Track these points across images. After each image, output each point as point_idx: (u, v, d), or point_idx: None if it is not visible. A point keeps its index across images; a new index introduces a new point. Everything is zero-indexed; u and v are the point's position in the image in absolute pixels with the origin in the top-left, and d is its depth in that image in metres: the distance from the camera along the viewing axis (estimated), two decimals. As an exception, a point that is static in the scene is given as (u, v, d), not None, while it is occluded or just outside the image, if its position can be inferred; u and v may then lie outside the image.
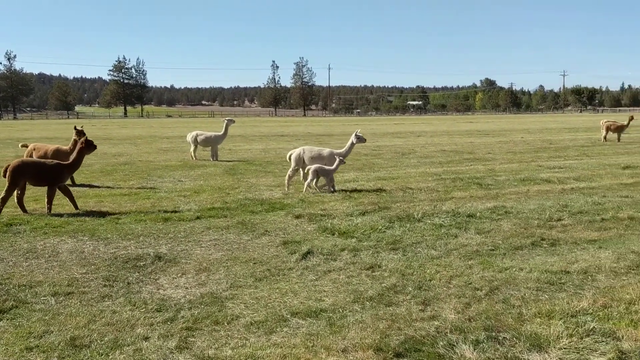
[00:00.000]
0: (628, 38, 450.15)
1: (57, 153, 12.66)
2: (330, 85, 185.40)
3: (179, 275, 6.17)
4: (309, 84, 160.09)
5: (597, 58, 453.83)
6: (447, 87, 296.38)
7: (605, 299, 5.17)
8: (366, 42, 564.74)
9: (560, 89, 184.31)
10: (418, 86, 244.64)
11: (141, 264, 6.58)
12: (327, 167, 11.74)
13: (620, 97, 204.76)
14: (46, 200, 9.46)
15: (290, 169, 12.21)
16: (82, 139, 9.96)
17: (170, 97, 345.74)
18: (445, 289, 5.56)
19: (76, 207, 9.68)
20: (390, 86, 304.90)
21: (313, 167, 11.64)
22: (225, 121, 20.22)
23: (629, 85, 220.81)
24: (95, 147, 10.17)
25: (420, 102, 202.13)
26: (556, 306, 4.97)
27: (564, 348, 4.13)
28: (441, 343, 4.25)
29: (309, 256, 6.77)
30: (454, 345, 4.20)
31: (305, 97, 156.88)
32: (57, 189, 9.53)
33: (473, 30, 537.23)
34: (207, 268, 6.40)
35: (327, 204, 10.25)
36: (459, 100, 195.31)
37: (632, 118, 28.31)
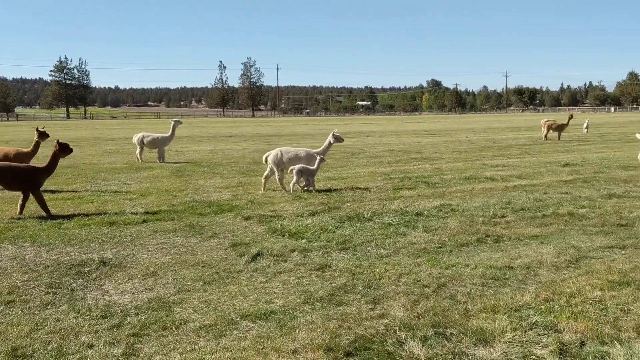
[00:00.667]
0: (567, 39, 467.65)
1: (18, 155, 12.07)
2: (279, 85, 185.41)
3: (125, 280, 6.02)
4: (257, 84, 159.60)
5: (538, 59, 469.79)
6: (394, 87, 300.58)
7: (547, 292, 5.34)
8: (315, 42, 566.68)
9: (503, 89, 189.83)
10: (367, 87, 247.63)
11: (85, 269, 6.38)
12: (310, 167, 11.78)
13: (560, 97, 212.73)
14: (20, 204, 9.33)
15: (267, 170, 12.11)
16: (55, 143, 9.71)
17: (115, 98, 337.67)
18: (394, 287, 5.63)
19: (21, 212, 9.35)
20: (339, 86, 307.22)
21: (297, 167, 11.63)
22: (172, 122, 19.86)
23: (568, 86, 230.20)
24: (71, 150, 9.97)
25: (369, 103, 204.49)
26: (500, 301, 5.11)
27: (509, 342, 4.25)
28: (390, 341, 4.30)
29: (259, 258, 6.73)
30: (403, 343, 4.26)
31: (253, 97, 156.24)
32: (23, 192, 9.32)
33: (419, 32, 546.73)
34: (154, 272, 6.27)
35: (276, 205, 10.21)
36: (407, 101, 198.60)
37: (571, 117, 29.40)
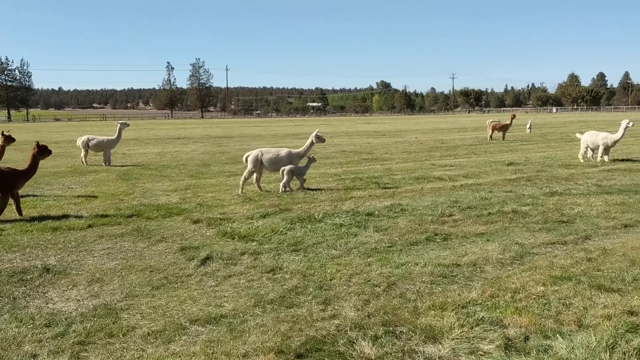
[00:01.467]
0: (510, 41, 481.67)
1: None
2: (229, 86, 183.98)
3: (69, 287, 5.85)
4: (207, 85, 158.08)
5: (483, 61, 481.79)
6: (345, 89, 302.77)
7: (492, 289, 5.47)
8: (265, 43, 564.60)
9: (450, 90, 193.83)
10: (317, 88, 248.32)
11: (28, 277, 6.16)
12: (301, 167, 11.88)
13: (504, 98, 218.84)
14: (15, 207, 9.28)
15: (246, 171, 11.94)
16: (35, 145, 9.58)
17: (59, 100, 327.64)
18: (345, 287, 5.66)
19: (20, 214, 9.34)
20: (290, 88, 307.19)
21: (288, 167, 11.64)
22: (119, 124, 19.43)
23: (512, 87, 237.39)
24: (50, 151, 9.85)
25: (320, 104, 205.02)
26: (448, 298, 5.21)
27: (456, 338, 4.33)
28: (341, 341, 4.32)
29: (208, 262, 6.65)
30: (354, 342, 4.28)
31: (202, 98, 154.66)
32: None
33: (369, 34, 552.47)
34: (100, 278, 6.11)
35: (226, 207, 10.12)
36: (357, 102, 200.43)
37: (514, 116, 30.29)
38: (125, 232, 8.27)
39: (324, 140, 12.89)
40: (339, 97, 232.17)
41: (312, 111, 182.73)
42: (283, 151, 12.03)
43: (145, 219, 9.18)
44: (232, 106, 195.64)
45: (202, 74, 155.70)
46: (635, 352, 3.99)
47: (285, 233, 8.01)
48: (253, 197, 11.16)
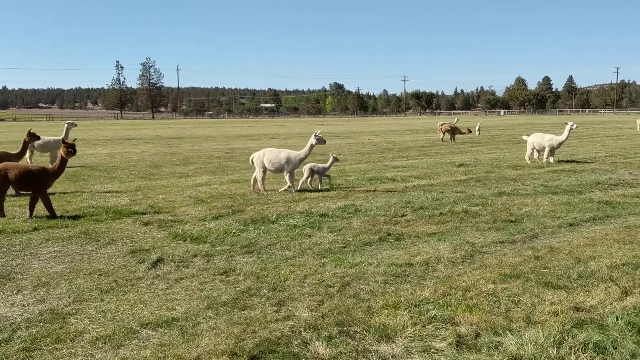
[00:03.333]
0: (459, 44, 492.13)
1: (5, 157, 11.61)
2: (180, 86, 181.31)
3: (14, 292, 5.62)
4: (157, 85, 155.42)
5: (434, 64, 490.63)
6: (298, 90, 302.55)
7: (444, 287, 5.55)
8: (217, 43, 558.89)
9: (402, 93, 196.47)
10: (270, 89, 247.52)
11: (-33, 283, 5.89)
12: (320, 165, 12.10)
13: (454, 101, 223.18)
14: (30, 203, 9.30)
15: (257, 172, 11.83)
16: (62, 145, 9.35)
17: (3, 100, 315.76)
18: (299, 288, 5.64)
19: (53, 215, 9.26)
20: (242, 88, 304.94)
21: (308, 165, 11.74)
22: (66, 124, 18.82)
23: (462, 90, 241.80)
24: (75, 151, 9.53)
25: (273, 105, 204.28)
26: (401, 297, 5.25)
27: (409, 337, 4.37)
28: (295, 342, 4.29)
29: (159, 264, 6.52)
30: (308, 343, 4.27)
31: (153, 98, 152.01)
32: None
33: (322, 36, 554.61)
34: (47, 283, 5.90)
35: (178, 209, 9.95)
36: (311, 104, 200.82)
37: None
38: (73, 235, 8.02)
39: (325, 141, 12.70)
40: (292, 99, 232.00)
41: (265, 112, 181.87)
42: (283, 153, 11.91)
43: (94, 222, 8.92)
44: (184, 107, 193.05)
45: (152, 73, 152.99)
46: (581, 347, 4.11)
47: (238, 235, 7.93)
48: (205, 199, 11.01)
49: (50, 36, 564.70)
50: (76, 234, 8.10)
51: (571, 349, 4.08)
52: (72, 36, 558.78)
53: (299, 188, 11.67)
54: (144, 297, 5.45)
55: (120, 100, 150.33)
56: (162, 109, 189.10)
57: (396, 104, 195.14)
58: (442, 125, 30.16)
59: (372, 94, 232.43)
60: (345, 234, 7.98)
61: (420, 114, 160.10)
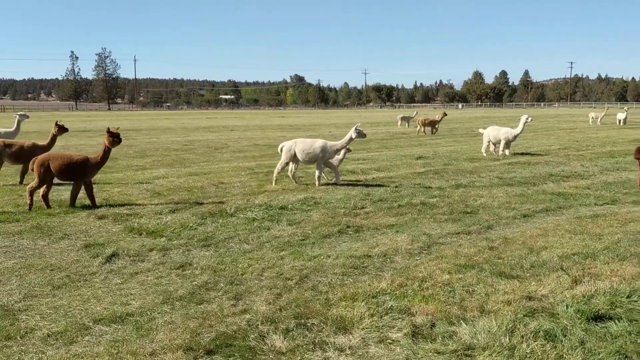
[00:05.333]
0: (418, 38, 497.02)
1: (34, 148, 11.63)
2: (137, 77, 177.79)
3: (-41, 290, 5.42)
4: (113, 76, 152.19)
5: (394, 57, 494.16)
6: (258, 82, 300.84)
7: (401, 278, 5.61)
8: (175, 34, 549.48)
9: (362, 86, 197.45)
10: (230, 80, 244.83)
11: None
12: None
13: (414, 94, 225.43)
14: (71, 194, 9.40)
15: (280, 162, 11.62)
16: (107, 135, 9.27)
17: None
18: (257, 281, 5.61)
19: (94, 204, 9.40)
20: (201, 80, 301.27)
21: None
22: (17, 116, 18.20)
23: (421, 84, 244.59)
24: (120, 140, 9.46)
25: (233, 97, 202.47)
26: (359, 289, 5.28)
27: (366, 328, 4.40)
28: (252, 336, 4.27)
29: (114, 259, 6.39)
30: (265, 337, 4.25)
31: (109, 90, 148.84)
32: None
33: (282, 27, 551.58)
34: (-5, 279, 5.71)
35: (134, 202, 9.76)
36: (271, 95, 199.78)
37: (444, 114, 31.79)
38: (24, 230, 7.78)
39: (365, 135, 12.36)
40: (252, 90, 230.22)
41: (224, 104, 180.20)
42: (317, 142, 11.61)
43: (47, 216, 8.68)
44: (141, 98, 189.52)
45: (108, 64, 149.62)
46: (532, 335, 4.21)
47: (196, 228, 7.83)
48: (162, 192, 10.84)
49: (1, 25, 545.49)
50: (28, 228, 7.87)
51: (523, 338, 4.18)
52: (24, 25, 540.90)
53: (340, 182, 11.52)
54: (98, 292, 5.34)
55: (75, 91, 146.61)
56: (119, 100, 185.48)
57: (357, 97, 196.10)
58: (420, 118, 30.73)
59: (333, 87, 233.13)
60: (304, 226, 7.98)
61: (381, 107, 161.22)
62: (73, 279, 5.73)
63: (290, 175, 11.87)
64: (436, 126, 30.28)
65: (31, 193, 9.14)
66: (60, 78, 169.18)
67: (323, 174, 11.83)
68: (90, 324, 4.57)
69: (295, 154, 11.47)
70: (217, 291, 5.33)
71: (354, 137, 11.75)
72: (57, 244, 7.12)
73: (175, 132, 33.21)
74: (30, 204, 9.11)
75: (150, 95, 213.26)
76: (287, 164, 11.69)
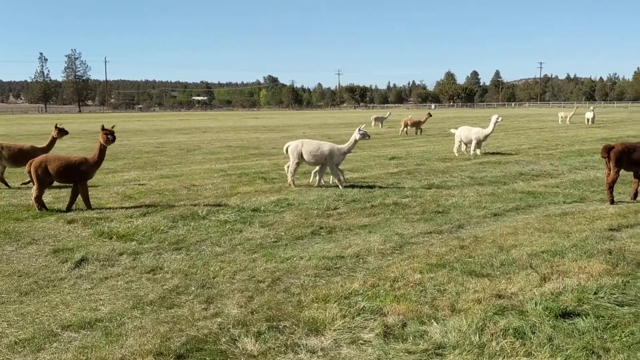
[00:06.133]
0: (392, 39, 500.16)
1: (34, 151, 11.53)
2: (108, 79, 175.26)
3: None
4: (84, 77, 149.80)
5: (367, 58, 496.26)
6: (231, 83, 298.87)
7: (373, 278, 5.63)
8: (147, 35, 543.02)
9: (336, 86, 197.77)
10: (203, 81, 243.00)
11: None
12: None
13: (387, 94, 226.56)
14: (70, 197, 9.36)
15: (291, 163, 11.48)
16: (102, 133, 9.25)
17: None
18: (229, 284, 5.58)
19: (70, 208, 9.26)
20: (173, 81, 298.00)
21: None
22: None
23: (394, 84, 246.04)
24: (115, 138, 9.47)
25: (206, 98, 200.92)
26: (332, 290, 5.29)
27: (338, 329, 4.41)
28: (224, 339, 4.24)
29: (84, 264, 6.29)
30: (237, 340, 4.23)
31: (79, 92, 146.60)
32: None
33: (256, 28, 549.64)
34: (-41, 287, 5.57)
35: (104, 206, 9.62)
36: (245, 97, 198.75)
37: (429, 115, 31.99)
38: (-10, 235, 7.61)
39: (369, 136, 12.33)
40: (225, 92, 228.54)
41: (197, 105, 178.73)
42: (326, 146, 11.53)
43: (14, 220, 8.51)
44: (112, 100, 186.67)
45: (78, 66, 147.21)
46: (501, 333, 4.27)
47: (167, 231, 7.75)
48: (133, 195, 10.71)
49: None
50: (-7, 234, 7.70)
51: (492, 335, 4.23)
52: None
53: (340, 185, 11.41)
54: (67, 298, 5.26)
55: (44, 93, 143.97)
56: (90, 102, 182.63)
57: (331, 98, 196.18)
58: (406, 119, 30.95)
59: (306, 88, 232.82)
60: (277, 228, 7.96)
61: (355, 108, 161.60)
62: (41, 285, 5.62)
63: (289, 176, 11.74)
64: (420, 127, 30.52)
65: (38, 200, 9.14)
66: (29, 80, 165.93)
67: (321, 178, 11.86)
68: (59, 330, 4.50)
69: (302, 154, 11.43)
70: (188, 295, 5.28)
71: (358, 138, 11.83)
72: (25, 249, 6.99)
73: (147, 134, 32.85)
74: (42, 207, 9.19)
75: (121, 97, 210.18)
76: (298, 164, 11.62)
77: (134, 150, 21.43)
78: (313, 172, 11.98)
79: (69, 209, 9.21)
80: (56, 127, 12.40)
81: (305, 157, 11.42)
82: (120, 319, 4.72)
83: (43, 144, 12.25)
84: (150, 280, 5.75)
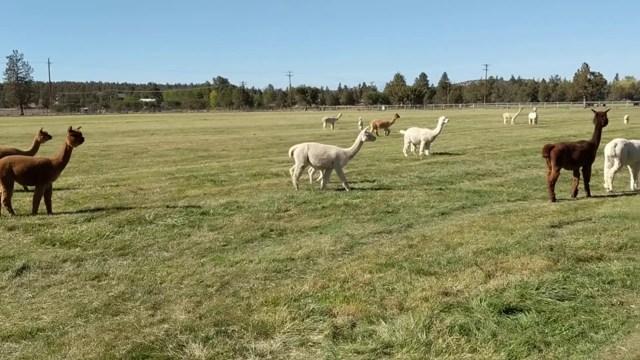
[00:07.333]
0: (342, 41, 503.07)
1: (18, 154, 11.08)
2: (52, 81, 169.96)
3: None
4: (26, 79, 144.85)
5: (318, 60, 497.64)
6: (180, 84, 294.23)
7: (323, 280, 5.65)
8: (92, 35, 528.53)
9: (287, 88, 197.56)
10: (151, 83, 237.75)
11: None
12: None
13: (338, 96, 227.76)
14: (33, 200, 9.14)
15: (296, 167, 11.20)
16: (69, 134, 9.11)
17: None
18: (176, 290, 5.48)
19: (50, 210, 9.14)
20: (120, 82, 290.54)
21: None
22: None
23: (345, 86, 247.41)
24: (83, 139, 9.44)
25: (154, 100, 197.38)
26: (281, 293, 5.27)
27: (288, 332, 4.40)
28: (171, 345, 4.17)
29: (25, 272, 6.06)
30: (184, 346, 4.16)
31: (21, 94, 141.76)
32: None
33: (205, 28, 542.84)
34: None
35: (46, 212, 9.30)
36: (194, 98, 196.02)
37: (397, 116, 32.24)
38: None
39: (374, 138, 12.11)
40: (174, 93, 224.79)
41: (145, 107, 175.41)
42: (332, 149, 11.31)
43: (-52, 229, 8.13)
44: (57, 102, 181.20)
45: (20, 67, 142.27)
46: (448, 330, 4.35)
47: (112, 237, 7.56)
48: (77, 200, 10.41)
49: None
50: None
51: (439, 333, 4.30)
52: None
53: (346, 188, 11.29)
54: (7, 307, 5.07)
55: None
56: (33, 104, 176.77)
57: (282, 99, 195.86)
58: (375, 121, 31.14)
59: (257, 89, 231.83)
60: (226, 231, 7.88)
61: (306, 109, 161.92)
62: (-21, 295, 5.39)
63: (293, 179, 11.61)
64: (388, 128, 30.85)
65: (7, 203, 8.98)
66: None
67: (317, 180, 11.83)
68: (-2, 342, 4.33)
69: (308, 158, 11.31)
70: (134, 301, 5.17)
71: (364, 140, 11.71)
72: (-39, 258, 6.68)
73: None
74: (12, 211, 9.01)
75: (66, 99, 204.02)
76: (303, 167, 11.46)
77: (79, 154, 20.80)
78: (292, 178, 11.81)
79: (49, 211, 9.13)
80: (41, 131, 12.24)
81: (311, 160, 11.31)
82: (63, 327, 4.58)
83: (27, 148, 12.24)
84: (95, 287, 5.59)
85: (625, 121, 37.06)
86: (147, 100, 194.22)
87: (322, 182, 11.56)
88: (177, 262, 6.39)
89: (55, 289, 5.55)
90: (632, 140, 10.86)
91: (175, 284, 5.66)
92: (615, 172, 10.69)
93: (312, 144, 11.54)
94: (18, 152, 11.66)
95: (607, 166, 10.74)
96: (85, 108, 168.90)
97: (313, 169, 11.87)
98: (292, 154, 11.56)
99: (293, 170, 11.58)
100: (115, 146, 24.75)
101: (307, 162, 11.32)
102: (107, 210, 9.36)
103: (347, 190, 11.14)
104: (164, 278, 5.81)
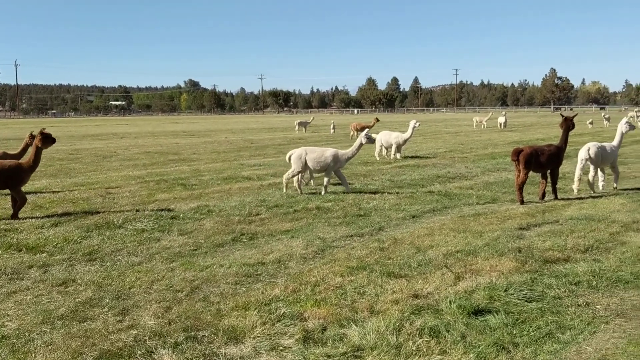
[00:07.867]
0: (313, 45, 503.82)
1: (4, 157, 10.78)
2: (19, 83, 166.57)
3: None
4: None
5: (290, 63, 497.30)
6: (151, 87, 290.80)
7: (295, 284, 5.64)
8: (60, 37, 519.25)
9: (259, 91, 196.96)
10: (120, 86, 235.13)
11: None
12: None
13: (311, 99, 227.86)
14: (12, 203, 9.03)
15: (291, 171, 11.06)
16: (38, 134, 9.03)
17: None
18: (145, 295, 5.41)
19: (15, 215, 8.96)
20: (89, 85, 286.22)
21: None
22: None
23: (317, 89, 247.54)
24: (54, 140, 9.33)
25: (124, 102, 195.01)
26: (252, 297, 5.25)
27: (258, 336, 4.38)
28: (139, 352, 4.11)
29: (-12, 278, 5.91)
30: (153, 352, 4.11)
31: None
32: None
33: (176, 30, 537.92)
34: None
35: (10, 217, 9.10)
36: (164, 101, 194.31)
37: (377, 119, 32.17)
38: None
39: (374, 140, 12.00)
40: (144, 96, 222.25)
41: (115, 110, 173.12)
42: (329, 152, 11.21)
43: None
44: (24, 105, 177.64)
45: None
46: (418, 332, 4.38)
47: (80, 242, 7.43)
48: (44, 205, 10.20)
49: None
50: None
51: (409, 335, 4.33)
52: None
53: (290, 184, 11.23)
54: (-31, 315, 4.93)
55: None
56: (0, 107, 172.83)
57: (254, 102, 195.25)
58: (355, 124, 31.18)
59: (229, 92, 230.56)
60: (197, 236, 7.81)
61: (278, 112, 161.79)
62: (-61, 303, 5.24)
63: (296, 184, 11.49)
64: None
65: None
66: None
67: (312, 182, 11.72)
68: (-42, 352, 4.21)
69: (306, 162, 11.22)
70: (102, 307, 5.08)
71: (364, 142, 11.73)
72: None
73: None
74: None
75: (33, 102, 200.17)
76: (299, 172, 11.35)
77: (46, 157, 20.39)
78: (295, 183, 11.70)
79: (14, 215, 8.96)
80: (30, 135, 11.79)
81: (310, 164, 11.23)
82: (29, 334, 4.48)
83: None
84: (62, 293, 5.49)
85: (589, 125, 37.88)
86: (117, 103, 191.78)
87: (324, 185, 11.51)
88: (146, 267, 6.31)
89: (20, 296, 5.43)
90: (604, 144, 11.13)
91: (144, 289, 5.58)
92: (594, 176, 11.00)
93: (310, 149, 11.49)
94: (5, 154, 11.32)
95: (579, 168, 10.97)
96: (54, 111, 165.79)
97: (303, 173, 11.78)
98: (289, 159, 11.52)
99: (286, 175, 11.51)
100: (84, 150, 24.37)
101: (305, 167, 11.30)
102: (75, 214, 9.19)
103: (323, 193, 11.14)
104: (132, 283, 5.73)
